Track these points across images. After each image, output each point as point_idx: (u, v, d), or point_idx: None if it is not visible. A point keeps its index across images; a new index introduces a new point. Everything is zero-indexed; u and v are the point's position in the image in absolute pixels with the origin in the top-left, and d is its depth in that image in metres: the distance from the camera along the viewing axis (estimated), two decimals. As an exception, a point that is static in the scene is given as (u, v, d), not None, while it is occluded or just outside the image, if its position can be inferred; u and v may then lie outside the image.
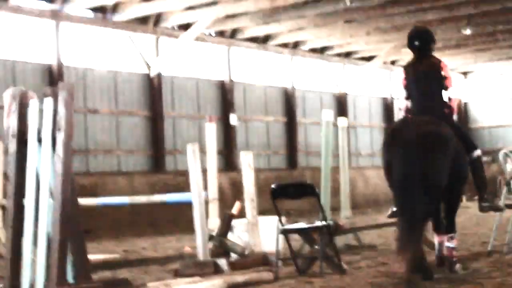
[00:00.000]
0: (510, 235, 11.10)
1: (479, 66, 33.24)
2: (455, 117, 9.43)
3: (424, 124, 8.67)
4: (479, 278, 8.69)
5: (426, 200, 8.31)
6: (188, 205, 10.32)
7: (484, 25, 24.55)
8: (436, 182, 8.42)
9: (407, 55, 29.34)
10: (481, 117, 35.50)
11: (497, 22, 24.27)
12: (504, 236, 11.35)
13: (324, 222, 9.92)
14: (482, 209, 9.58)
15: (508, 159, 11.16)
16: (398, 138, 8.64)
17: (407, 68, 9.75)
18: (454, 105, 9.35)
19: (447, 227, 9.34)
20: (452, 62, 31.92)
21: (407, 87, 9.66)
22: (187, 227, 10.64)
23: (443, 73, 9.31)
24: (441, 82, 9.30)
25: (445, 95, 9.29)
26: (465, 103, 35.78)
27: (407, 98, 9.66)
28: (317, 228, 10.06)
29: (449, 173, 8.54)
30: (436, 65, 9.38)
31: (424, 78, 9.38)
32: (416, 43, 9.57)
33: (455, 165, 8.64)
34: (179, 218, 11.82)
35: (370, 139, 30.91)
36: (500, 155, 11.34)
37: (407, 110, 9.65)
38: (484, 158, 11.51)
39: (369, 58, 29.46)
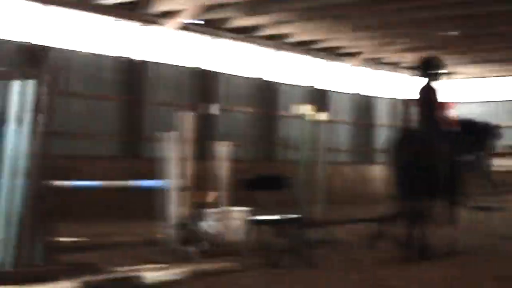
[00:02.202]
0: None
1: (463, 67, 33.32)
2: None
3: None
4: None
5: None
6: (161, 192, 10.32)
7: (469, 27, 24.61)
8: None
9: (389, 53, 29.52)
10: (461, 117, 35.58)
11: (481, 25, 24.35)
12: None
13: (296, 216, 9.94)
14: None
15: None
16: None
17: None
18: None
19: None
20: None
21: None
22: (159, 214, 10.61)
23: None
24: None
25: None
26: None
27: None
28: (289, 220, 10.08)
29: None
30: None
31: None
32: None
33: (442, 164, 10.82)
34: (151, 205, 11.80)
35: (350, 135, 30.95)
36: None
37: None
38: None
39: (351, 54, 29.47)
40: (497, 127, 12.49)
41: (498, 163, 26.89)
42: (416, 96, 11.76)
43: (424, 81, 11.69)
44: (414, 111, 11.84)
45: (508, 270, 9.46)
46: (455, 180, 11.27)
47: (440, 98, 11.55)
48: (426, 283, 8.49)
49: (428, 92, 11.56)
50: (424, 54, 28.13)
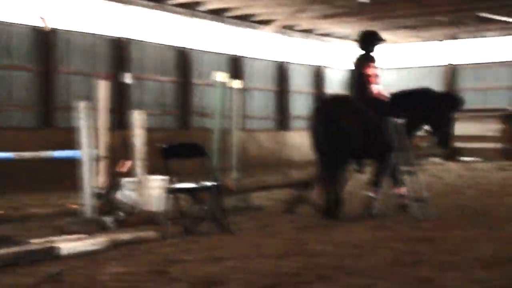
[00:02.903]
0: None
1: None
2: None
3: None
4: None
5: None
6: (77, 162, 10.22)
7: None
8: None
9: (303, 20, 29.66)
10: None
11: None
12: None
13: (213, 183, 9.99)
14: None
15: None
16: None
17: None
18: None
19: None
20: (347, 30, 32.37)
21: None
22: (76, 185, 10.52)
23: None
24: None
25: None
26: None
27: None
28: (205, 188, 10.12)
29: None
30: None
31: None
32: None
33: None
34: (67, 176, 11.69)
35: (265, 102, 31.09)
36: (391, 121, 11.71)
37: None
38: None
39: (266, 22, 29.52)
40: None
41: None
42: (351, 66, 12.23)
43: (361, 52, 12.15)
44: (349, 80, 12.28)
45: (414, 231, 9.73)
46: (378, 146, 11.70)
47: (374, 69, 11.94)
48: (341, 245, 8.66)
49: (363, 63, 11.97)
50: (338, 21, 28.50)
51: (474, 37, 33.68)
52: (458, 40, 34.13)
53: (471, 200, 13.91)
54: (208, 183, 10.06)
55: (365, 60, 12.04)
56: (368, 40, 12.26)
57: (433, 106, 12.02)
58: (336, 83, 34.87)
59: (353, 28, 31.71)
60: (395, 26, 31.33)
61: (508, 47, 33.29)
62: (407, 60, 35.85)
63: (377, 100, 11.87)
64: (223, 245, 8.77)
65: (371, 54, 12.16)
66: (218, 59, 28.29)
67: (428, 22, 30.41)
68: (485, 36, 33.18)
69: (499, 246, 8.46)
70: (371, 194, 11.93)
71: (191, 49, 26.92)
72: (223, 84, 12.91)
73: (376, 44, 12.23)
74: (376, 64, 12.04)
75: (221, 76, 12.94)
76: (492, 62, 33.63)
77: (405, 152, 11.55)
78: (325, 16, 28.71)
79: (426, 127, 12.26)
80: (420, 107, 12.01)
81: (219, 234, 9.68)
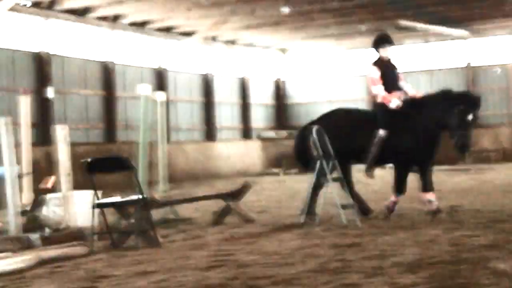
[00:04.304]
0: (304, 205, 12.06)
1: (296, 43, 34.02)
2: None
3: None
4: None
5: None
6: (1, 180, 10.06)
7: (301, 4, 25.14)
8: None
9: (226, 32, 29.73)
10: (297, 94, 36.42)
11: (313, 2, 24.92)
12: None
13: (140, 196, 9.94)
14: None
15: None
16: None
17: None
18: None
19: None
20: (270, 39, 32.58)
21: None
22: (0, 203, 10.35)
23: None
24: None
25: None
26: (283, 81, 36.60)
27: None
28: (132, 202, 10.08)
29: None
30: None
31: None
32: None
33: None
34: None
35: (191, 114, 31.04)
36: (313, 131, 11.79)
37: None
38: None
39: (189, 34, 29.52)
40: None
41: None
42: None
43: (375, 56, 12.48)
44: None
45: (341, 238, 9.85)
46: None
47: (376, 72, 12.26)
48: (269, 254, 8.70)
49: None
50: (260, 31, 28.67)
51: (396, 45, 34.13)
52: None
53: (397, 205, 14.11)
54: (135, 197, 10.02)
55: (372, 64, 12.35)
56: (375, 44, 12.55)
57: (450, 108, 11.75)
58: (260, 92, 35.06)
59: (275, 37, 31.96)
60: (317, 35, 31.65)
61: (428, 55, 33.87)
62: (331, 68, 36.10)
63: (375, 104, 12.49)
64: (151, 259, 8.74)
65: (380, 56, 12.39)
66: (142, 72, 28.15)
67: (350, 31, 30.77)
68: (405, 44, 33.71)
69: (423, 250, 8.61)
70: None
71: (114, 62, 26.73)
72: (147, 97, 12.87)
73: (383, 47, 12.39)
74: (386, 66, 12.29)
75: (145, 89, 12.90)
76: (413, 71, 34.16)
77: (330, 159, 11.68)
78: (248, 27, 28.87)
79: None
80: (437, 111, 11.90)
81: (147, 247, 9.64)
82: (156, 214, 11.74)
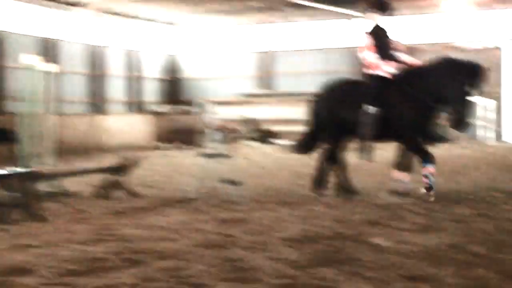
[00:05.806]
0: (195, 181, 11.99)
1: (184, 17, 33.75)
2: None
3: None
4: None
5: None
6: None
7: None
8: None
9: (120, 3, 29.31)
10: (190, 69, 36.31)
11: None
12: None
13: (24, 169, 9.74)
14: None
15: (207, 110, 11.82)
16: None
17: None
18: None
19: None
20: (156, 12, 32.24)
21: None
22: None
23: None
24: None
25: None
26: (175, 55, 36.40)
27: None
28: (16, 174, 9.86)
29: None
30: None
31: None
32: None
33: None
34: None
35: (80, 86, 30.53)
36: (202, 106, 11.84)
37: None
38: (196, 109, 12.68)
39: (81, 4, 28.97)
40: None
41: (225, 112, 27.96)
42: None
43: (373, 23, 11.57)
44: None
45: (226, 213, 9.93)
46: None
47: (371, 40, 11.43)
48: (154, 229, 8.68)
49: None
50: (145, 2, 28.29)
51: (287, 22, 34.27)
52: (272, 24, 34.69)
53: (283, 182, 14.30)
54: (18, 169, 9.81)
55: (366, 32, 11.55)
56: (369, 10, 11.62)
57: (445, 80, 10.80)
58: (153, 66, 34.80)
59: (166, 11, 31.62)
60: (208, 10, 31.54)
61: (318, 33, 34.19)
62: (224, 44, 36.09)
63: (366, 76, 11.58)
64: (33, 233, 8.58)
65: (376, 25, 11.54)
66: (33, 41, 27.49)
67: (241, 7, 30.77)
68: (296, 21, 33.90)
69: (307, 226, 8.75)
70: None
71: (4, 31, 26.01)
72: (33, 67, 12.60)
73: (379, 14, 11.56)
74: (376, 34, 11.43)
75: (31, 59, 12.63)
76: (303, 49, 34.40)
77: (220, 134, 11.71)
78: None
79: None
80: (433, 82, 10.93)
81: (30, 221, 9.45)
82: (41, 187, 11.51)
